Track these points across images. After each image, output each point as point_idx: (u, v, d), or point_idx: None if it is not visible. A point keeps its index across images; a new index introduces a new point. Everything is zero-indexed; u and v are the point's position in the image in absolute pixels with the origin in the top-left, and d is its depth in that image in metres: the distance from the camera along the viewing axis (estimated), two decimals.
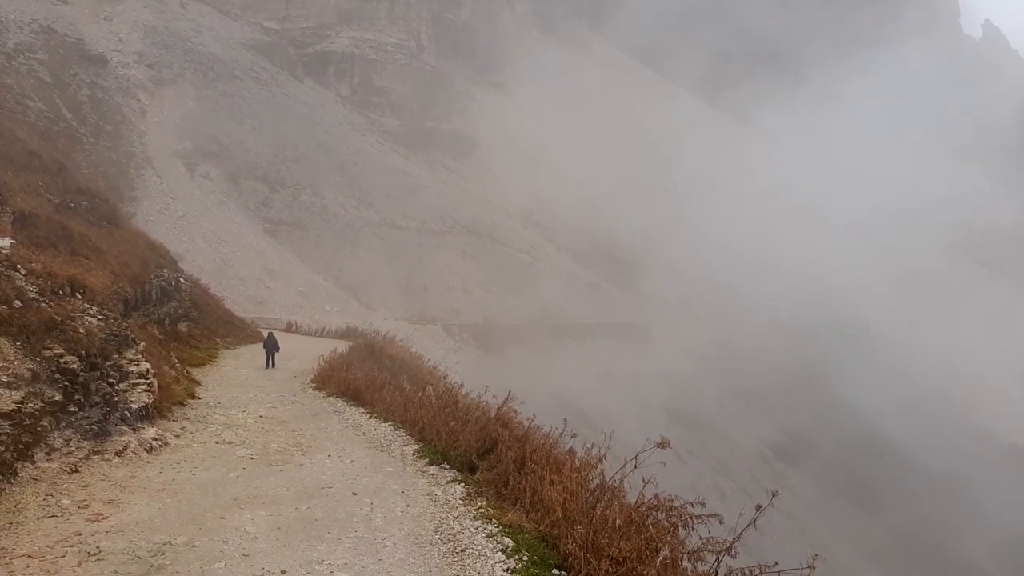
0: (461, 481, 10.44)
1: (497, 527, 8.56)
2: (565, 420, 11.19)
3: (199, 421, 13.75)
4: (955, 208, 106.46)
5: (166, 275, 26.10)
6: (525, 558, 7.83)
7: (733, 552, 7.65)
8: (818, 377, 64.95)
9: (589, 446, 10.21)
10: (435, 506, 9.34)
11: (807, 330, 69.31)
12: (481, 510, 9.19)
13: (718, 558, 7.66)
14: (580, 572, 7.59)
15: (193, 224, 58.27)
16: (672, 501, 8.61)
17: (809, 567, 7.27)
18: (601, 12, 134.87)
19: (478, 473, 10.80)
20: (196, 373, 19.47)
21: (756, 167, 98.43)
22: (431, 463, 11.34)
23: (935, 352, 73.43)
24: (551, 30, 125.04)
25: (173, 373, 16.59)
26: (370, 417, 15.02)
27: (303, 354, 24.97)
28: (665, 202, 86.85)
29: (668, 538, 8.04)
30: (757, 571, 7.55)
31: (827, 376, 65.06)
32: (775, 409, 58.52)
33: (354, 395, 17.12)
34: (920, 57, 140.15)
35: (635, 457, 9.01)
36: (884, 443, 59.27)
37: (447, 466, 11.14)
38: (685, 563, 7.82)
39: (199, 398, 16.14)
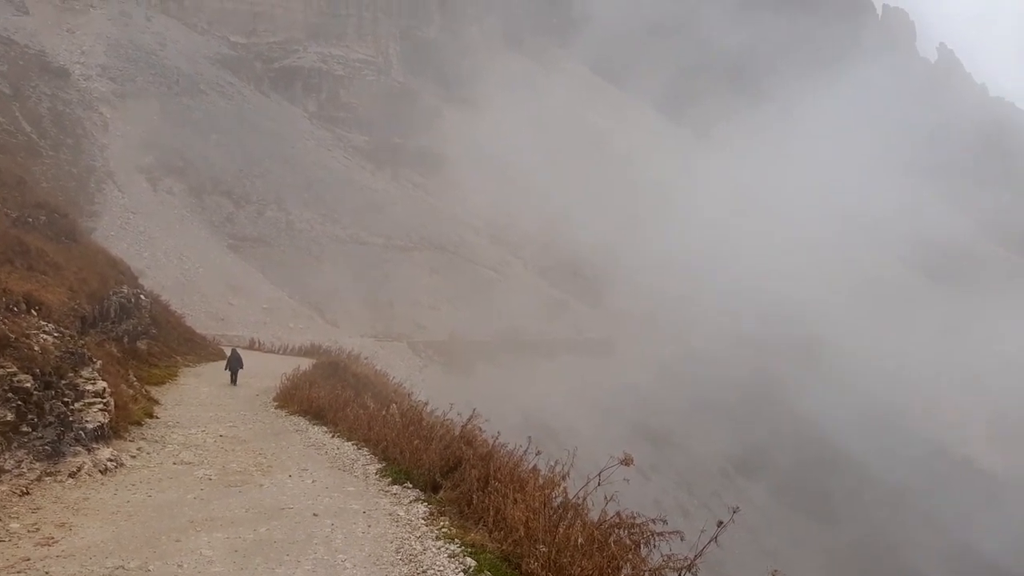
0: (424, 500, 10.37)
1: (460, 547, 8.51)
2: (529, 438, 11.20)
3: (156, 441, 13.49)
4: (908, 222, 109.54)
5: (126, 291, 25.59)
6: None
7: (694, 569, 7.72)
8: (777, 390, 65.99)
9: (553, 463, 10.24)
10: (397, 526, 9.26)
11: (766, 343, 70.47)
12: (444, 530, 9.12)
13: (680, 574, 7.71)
14: None
15: (155, 240, 57.35)
16: (634, 518, 8.65)
17: None
18: (568, 29, 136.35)
19: (441, 492, 10.74)
20: (155, 392, 19.10)
21: (718, 183, 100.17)
22: (394, 482, 11.26)
23: (889, 364, 75.12)
24: (519, 47, 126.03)
25: (131, 392, 16.26)
26: (333, 436, 14.86)
27: (266, 372, 24.66)
28: (629, 217, 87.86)
29: (630, 556, 8.05)
30: None
31: (785, 389, 66.16)
32: (735, 422, 59.29)
33: (317, 414, 16.93)
34: (878, 77, 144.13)
35: (599, 474, 9.06)
36: (840, 455, 60.37)
37: (410, 485, 11.06)
38: None
39: (157, 417, 15.83)
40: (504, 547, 8.52)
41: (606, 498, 8.91)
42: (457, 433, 12.25)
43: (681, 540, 8.30)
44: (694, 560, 7.72)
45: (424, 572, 7.88)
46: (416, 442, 12.28)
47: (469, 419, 12.57)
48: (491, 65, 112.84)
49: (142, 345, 24.65)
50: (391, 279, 63.19)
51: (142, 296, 26.89)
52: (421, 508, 10.00)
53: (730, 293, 76.70)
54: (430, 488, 10.99)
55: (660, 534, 8.61)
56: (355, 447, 13.68)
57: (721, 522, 7.74)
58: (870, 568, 49.22)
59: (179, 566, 7.48)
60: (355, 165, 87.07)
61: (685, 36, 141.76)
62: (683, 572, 7.76)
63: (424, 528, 9.21)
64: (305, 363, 26.17)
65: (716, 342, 69.15)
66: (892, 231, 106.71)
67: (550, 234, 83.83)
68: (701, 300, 75.36)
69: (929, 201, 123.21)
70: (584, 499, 9.19)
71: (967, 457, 67.25)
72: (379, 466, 12.25)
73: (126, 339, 23.65)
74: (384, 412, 14.81)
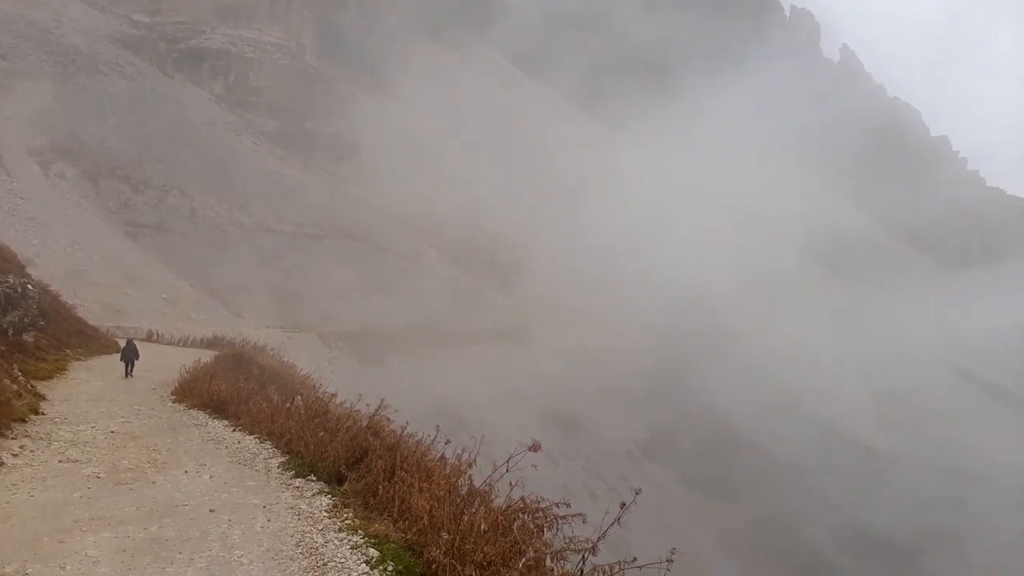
0: (328, 493, 10.21)
1: (363, 538, 8.43)
2: (437, 427, 11.21)
3: (41, 438, 12.77)
4: (807, 215, 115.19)
5: (11, 281, 24.05)
6: (390, 568, 7.76)
7: (596, 550, 7.87)
8: (683, 376, 68.25)
9: (460, 452, 10.28)
10: (298, 520, 9.09)
11: (674, 331, 72.77)
12: (347, 521, 9.02)
13: (583, 557, 7.85)
14: None
15: (45, 226, 54.03)
16: (538, 503, 8.74)
17: (667, 560, 7.66)
18: (485, 19, 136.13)
19: (346, 484, 10.61)
20: (42, 387, 18.07)
21: (629, 175, 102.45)
22: (297, 475, 11.04)
23: (787, 350, 78.81)
24: (436, 35, 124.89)
25: (15, 387, 15.34)
26: (234, 430, 14.42)
27: (164, 365, 23.68)
28: (545, 208, 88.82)
29: (533, 540, 8.14)
30: (617, 567, 7.78)
31: (691, 375, 68.51)
32: (643, 408, 61.00)
33: (218, 407, 16.39)
34: (783, 76, 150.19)
35: (507, 461, 9.12)
36: (741, 438, 63.07)
37: (314, 478, 10.87)
38: (549, 563, 7.98)
39: (43, 414, 14.99)
40: (408, 536, 8.50)
41: (511, 484, 8.98)
42: (364, 424, 12.14)
43: (584, 523, 8.45)
44: (597, 541, 7.87)
45: (325, 564, 7.77)
46: (321, 434, 12.06)
47: (377, 409, 12.48)
48: (407, 53, 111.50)
49: (28, 338, 23.24)
50: (300, 268, 61.65)
51: (29, 286, 25.36)
52: (324, 500, 9.85)
53: (641, 283, 78.74)
54: (335, 480, 10.85)
55: (563, 517, 8.73)
56: (257, 441, 13.32)
57: (624, 504, 7.96)
58: (768, 543, 51.67)
59: (61, 568, 7.13)
60: (264, 151, 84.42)
61: (600, 30, 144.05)
62: (586, 554, 7.87)
63: (327, 520, 9.07)
64: (207, 355, 25.30)
65: (627, 331, 70.91)
66: (792, 223, 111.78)
67: (465, 223, 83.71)
68: (613, 290, 77.03)
69: (827, 195, 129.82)
70: (491, 486, 9.24)
71: (857, 437, 71.38)
72: (282, 459, 11.97)
73: (11, 331, 22.28)
74: (288, 404, 14.48)
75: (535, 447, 9.27)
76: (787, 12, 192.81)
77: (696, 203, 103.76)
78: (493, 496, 9.13)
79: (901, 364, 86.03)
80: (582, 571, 7.74)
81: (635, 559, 7.88)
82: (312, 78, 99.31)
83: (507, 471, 9.10)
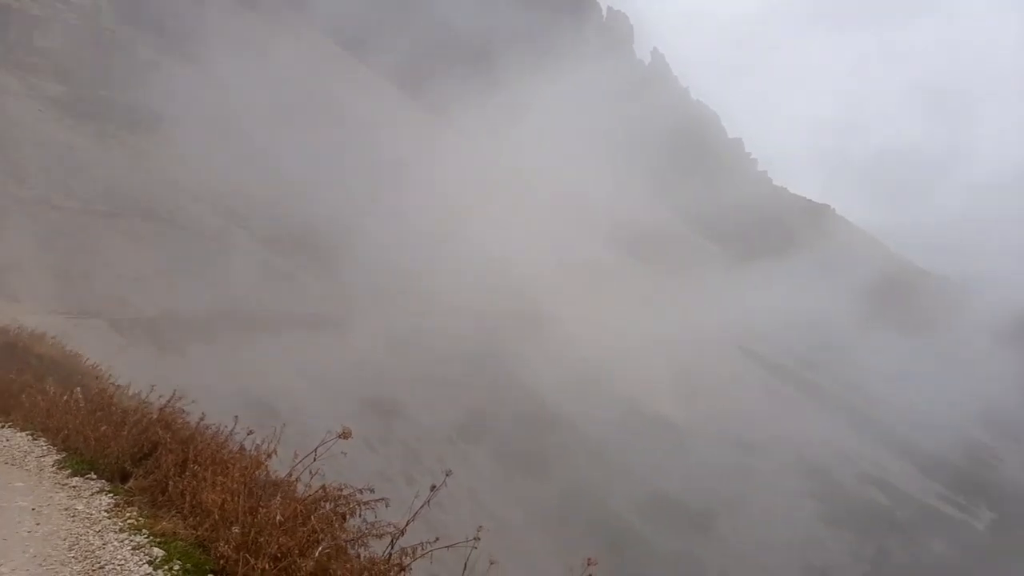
0: (110, 492, 9.62)
1: (147, 538, 8.06)
2: (236, 417, 10.89)
3: None
4: (616, 207, 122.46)
5: None
6: (177, 567, 7.50)
7: (404, 533, 8.04)
8: (501, 360, 70.22)
9: (261, 442, 10.06)
10: (73, 521, 8.48)
11: (491, 314, 74.66)
12: (130, 521, 8.57)
13: (392, 540, 7.97)
14: (237, 574, 7.49)
15: None
16: (341, 490, 8.73)
17: (475, 538, 7.88)
18: None
19: (131, 481, 10.06)
20: None
21: (450, 160, 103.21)
22: (75, 474, 10.27)
23: (597, 334, 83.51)
24: (253, 6, 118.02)
25: None
26: (3, 427, 13.09)
27: None
28: (366, 190, 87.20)
29: (333, 528, 8.14)
30: (419, 548, 7.94)
31: (507, 357, 70.68)
32: (462, 391, 62.16)
33: None
34: (599, 75, 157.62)
35: (314, 450, 9.00)
36: (553, 416, 66.09)
37: (94, 476, 10.19)
38: (351, 550, 8.03)
39: None
40: (199, 533, 8.27)
41: (311, 473, 8.90)
42: (155, 417, 11.50)
43: (387, 507, 8.60)
44: (406, 525, 8.04)
45: (102, 568, 7.35)
46: (104, 428, 11.29)
47: (169, 400, 11.89)
48: (221, 22, 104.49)
49: None
50: (89, 249, 56.03)
51: None
52: (105, 500, 9.27)
53: (460, 268, 79.70)
54: (118, 478, 10.25)
55: (367, 503, 8.79)
56: (30, 438, 12.18)
57: (435, 486, 8.20)
58: (577, 515, 54.61)
59: None
60: (49, 118, 75.66)
61: (425, 13, 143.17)
62: (394, 537, 8.00)
63: (106, 521, 8.55)
64: None
65: (446, 315, 71.54)
66: (603, 213, 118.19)
67: (280, 204, 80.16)
68: (433, 274, 77.31)
69: (635, 189, 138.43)
70: (296, 477, 9.12)
71: (658, 412, 77.11)
72: (58, 457, 11.07)
73: None
74: (66, 397, 13.33)
75: (345, 434, 9.21)
76: (604, 13, 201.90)
77: (515, 191, 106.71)
78: (294, 486, 9.01)
79: (697, 345, 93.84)
80: (390, 555, 7.81)
81: (437, 539, 8.06)
82: (109, 41, 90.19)
83: (314, 460, 8.97)
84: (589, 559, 7.47)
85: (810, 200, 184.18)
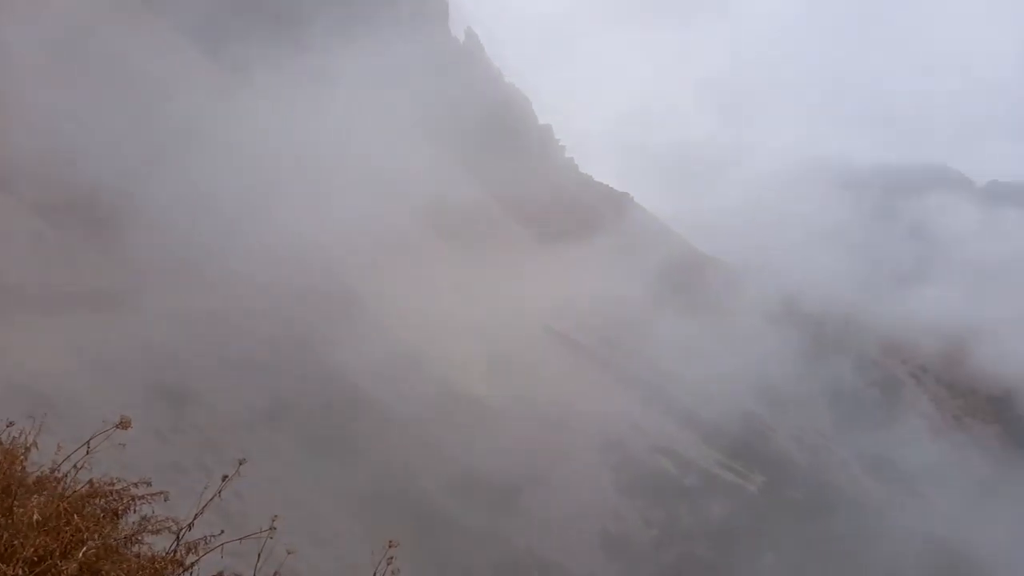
0: None
1: None
2: None
3: None
4: (429, 185, 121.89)
5: None
6: None
7: (192, 527, 7.74)
8: (308, 341, 67.60)
9: (16, 435, 8.55)
10: None
11: (297, 293, 71.57)
12: None
13: (178, 535, 7.65)
14: None
15: None
16: (112, 485, 8.19)
17: (270, 528, 7.72)
18: None
19: None
20: None
21: (258, 128, 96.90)
22: None
23: (410, 314, 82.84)
24: None
25: None
26: None
27: None
28: (152, 154, 79.42)
29: (101, 526, 7.61)
30: (203, 542, 7.73)
31: (314, 340, 68.21)
32: (266, 375, 59.07)
33: None
34: (411, 50, 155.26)
35: (87, 443, 8.19)
36: (364, 399, 64.82)
37: None
38: (125, 549, 7.62)
39: None
40: None
41: (76, 468, 8.15)
42: None
43: (165, 500, 8.13)
44: (195, 518, 7.72)
45: None
46: None
47: None
48: None
49: None
50: None
51: None
52: None
53: (263, 242, 75.14)
54: None
55: (142, 497, 8.28)
56: None
57: (226, 476, 7.97)
58: (387, 497, 53.98)
59: None
60: None
61: None
62: (181, 532, 7.69)
63: None
64: None
65: (247, 293, 67.32)
66: (415, 193, 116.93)
67: (52, 167, 70.76)
68: (234, 251, 72.26)
69: (447, 168, 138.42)
70: (64, 473, 8.34)
71: (469, 392, 78.04)
72: None
73: None
74: None
75: (124, 423, 8.51)
76: None
77: (325, 163, 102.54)
78: (58, 482, 8.23)
79: (507, 326, 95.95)
80: (175, 551, 7.50)
81: (223, 531, 7.85)
82: None
83: (87, 453, 8.18)
84: (390, 542, 7.57)
85: (612, 188, 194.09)
